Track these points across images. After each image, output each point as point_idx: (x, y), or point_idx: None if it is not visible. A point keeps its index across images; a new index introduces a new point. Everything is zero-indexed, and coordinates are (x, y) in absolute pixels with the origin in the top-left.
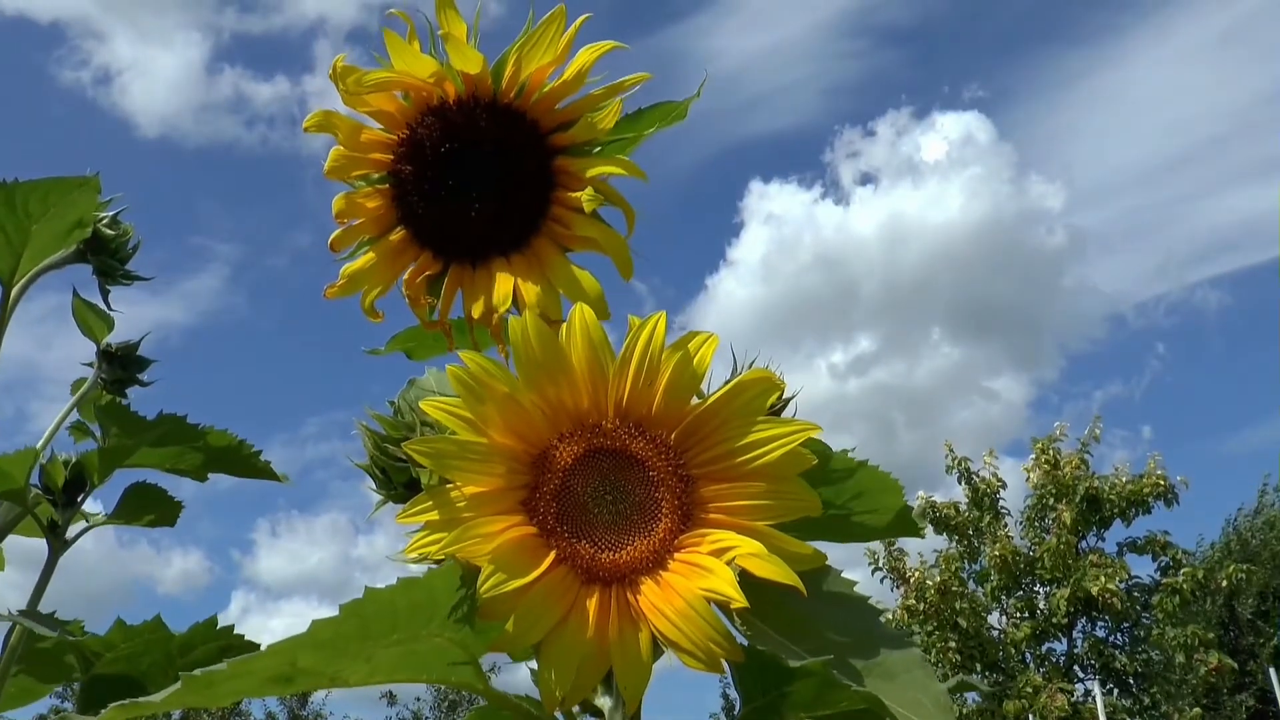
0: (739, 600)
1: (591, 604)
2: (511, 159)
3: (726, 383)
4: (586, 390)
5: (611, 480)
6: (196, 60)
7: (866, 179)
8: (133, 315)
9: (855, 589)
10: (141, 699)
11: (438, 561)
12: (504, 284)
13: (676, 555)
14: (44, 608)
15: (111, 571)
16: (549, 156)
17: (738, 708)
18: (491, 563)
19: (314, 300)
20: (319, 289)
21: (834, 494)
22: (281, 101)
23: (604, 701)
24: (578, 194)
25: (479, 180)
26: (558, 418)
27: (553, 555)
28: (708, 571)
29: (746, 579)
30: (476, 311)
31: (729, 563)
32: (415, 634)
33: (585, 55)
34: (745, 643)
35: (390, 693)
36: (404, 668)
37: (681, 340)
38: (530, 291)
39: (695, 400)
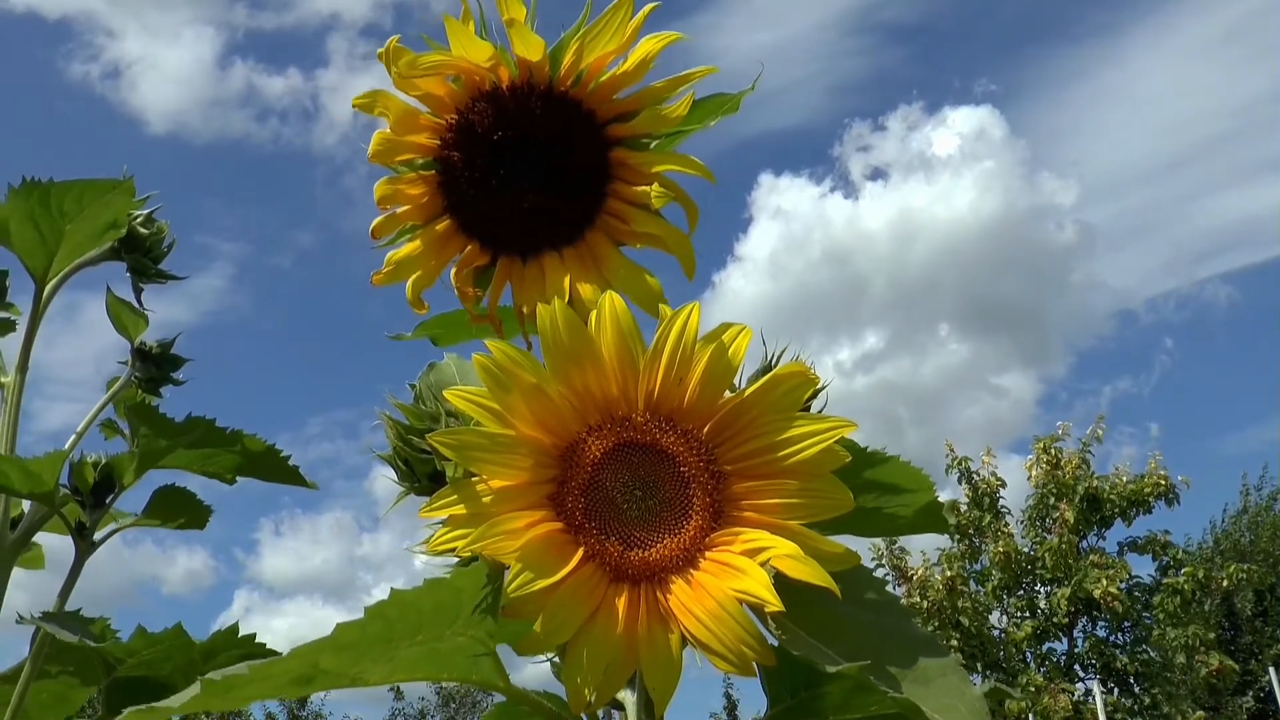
0: (774, 604)
1: (620, 603)
2: (567, 149)
3: (758, 376)
4: (616, 381)
5: (641, 475)
6: (207, 55)
7: (877, 174)
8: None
9: (887, 589)
10: (160, 703)
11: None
12: (558, 278)
13: (708, 554)
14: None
15: (117, 572)
16: (606, 148)
17: (764, 709)
18: (519, 560)
19: (317, 300)
20: (322, 289)
21: (863, 488)
22: (294, 95)
23: (628, 698)
24: (639, 188)
25: (531, 170)
26: (586, 409)
27: (581, 552)
28: (740, 572)
29: (778, 579)
30: (529, 307)
31: (763, 564)
32: (439, 634)
33: (648, 45)
34: (775, 644)
35: (398, 688)
36: (425, 666)
37: (715, 332)
38: (586, 289)
39: (728, 394)
